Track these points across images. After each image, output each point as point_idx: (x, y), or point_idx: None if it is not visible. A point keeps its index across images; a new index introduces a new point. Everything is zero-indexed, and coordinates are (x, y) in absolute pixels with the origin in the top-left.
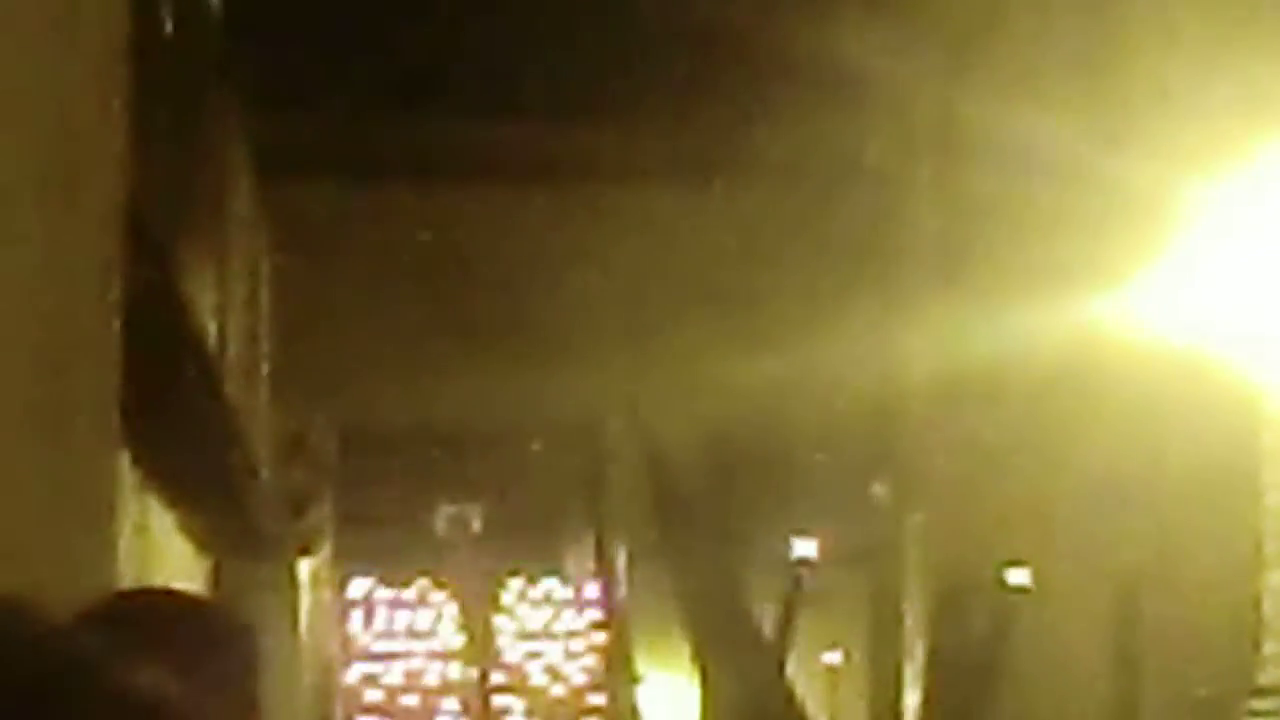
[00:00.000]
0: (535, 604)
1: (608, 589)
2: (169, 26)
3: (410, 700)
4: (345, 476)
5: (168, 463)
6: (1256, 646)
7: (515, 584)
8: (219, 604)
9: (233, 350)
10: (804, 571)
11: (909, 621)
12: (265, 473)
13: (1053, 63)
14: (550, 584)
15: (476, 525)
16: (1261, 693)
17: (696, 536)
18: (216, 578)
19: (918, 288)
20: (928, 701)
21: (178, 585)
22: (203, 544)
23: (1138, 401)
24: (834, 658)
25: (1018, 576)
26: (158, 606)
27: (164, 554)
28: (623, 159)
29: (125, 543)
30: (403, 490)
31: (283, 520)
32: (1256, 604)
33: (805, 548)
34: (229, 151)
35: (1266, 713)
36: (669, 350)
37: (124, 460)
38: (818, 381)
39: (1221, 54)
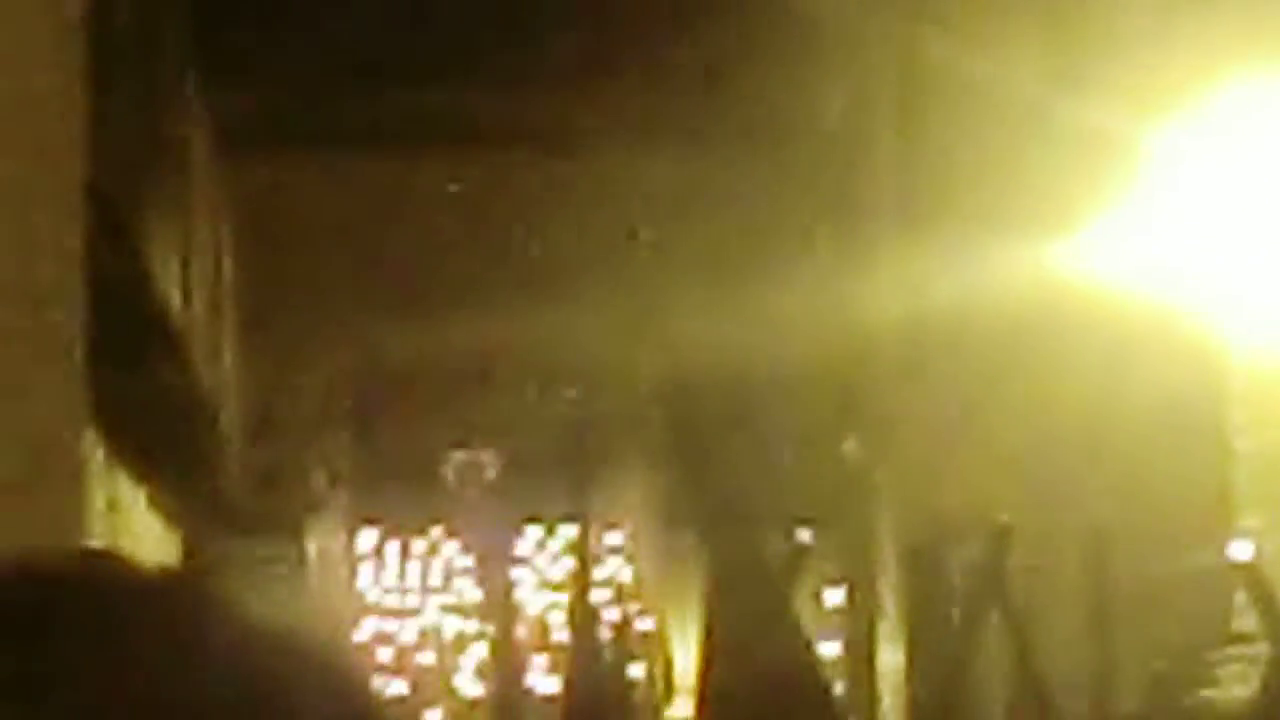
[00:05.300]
0: (555, 555)
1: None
2: (128, 3)
3: (426, 658)
4: (352, 433)
5: (136, 438)
6: (1229, 594)
7: (533, 532)
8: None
9: (199, 324)
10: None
11: (881, 578)
12: (234, 446)
13: (1010, 6)
14: (570, 532)
15: (491, 472)
16: (1237, 639)
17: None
18: (188, 553)
19: (878, 237)
20: (910, 660)
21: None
22: (173, 520)
23: (1103, 349)
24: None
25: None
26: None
27: (136, 530)
28: (588, 124)
29: (96, 519)
30: (409, 441)
31: (254, 493)
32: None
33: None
34: (190, 126)
35: (1242, 659)
36: (648, 305)
37: (92, 437)
38: (781, 335)
39: None
